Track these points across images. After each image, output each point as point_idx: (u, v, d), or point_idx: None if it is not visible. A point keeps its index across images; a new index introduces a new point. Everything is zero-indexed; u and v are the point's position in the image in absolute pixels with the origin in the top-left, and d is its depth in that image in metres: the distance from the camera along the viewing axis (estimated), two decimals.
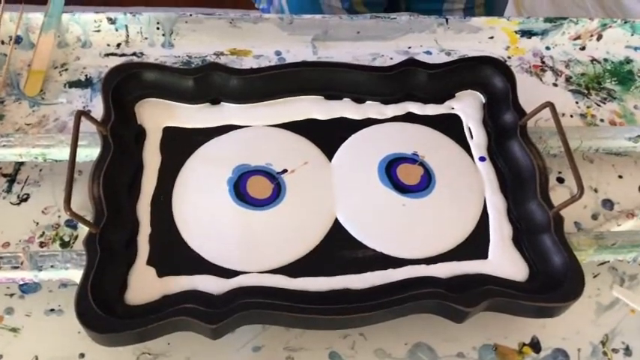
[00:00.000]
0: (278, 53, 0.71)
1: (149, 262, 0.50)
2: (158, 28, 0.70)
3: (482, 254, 0.52)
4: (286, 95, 0.60)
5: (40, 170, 0.59)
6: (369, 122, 0.60)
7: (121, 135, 0.55)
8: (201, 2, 1.72)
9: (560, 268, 0.50)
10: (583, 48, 0.74)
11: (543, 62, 0.72)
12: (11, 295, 0.52)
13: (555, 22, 0.73)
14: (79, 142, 0.52)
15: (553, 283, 0.49)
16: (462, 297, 0.47)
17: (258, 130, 0.59)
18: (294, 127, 0.59)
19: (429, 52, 0.72)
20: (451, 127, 0.60)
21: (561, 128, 0.53)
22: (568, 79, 0.71)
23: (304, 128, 0.59)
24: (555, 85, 0.71)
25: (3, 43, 0.68)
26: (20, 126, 0.62)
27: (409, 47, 0.72)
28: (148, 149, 0.56)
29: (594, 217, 0.60)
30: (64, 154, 0.56)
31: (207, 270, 0.50)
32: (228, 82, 0.59)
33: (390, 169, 0.56)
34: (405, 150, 0.58)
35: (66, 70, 0.68)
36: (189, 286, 0.49)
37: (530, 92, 0.62)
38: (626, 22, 0.74)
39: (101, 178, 0.51)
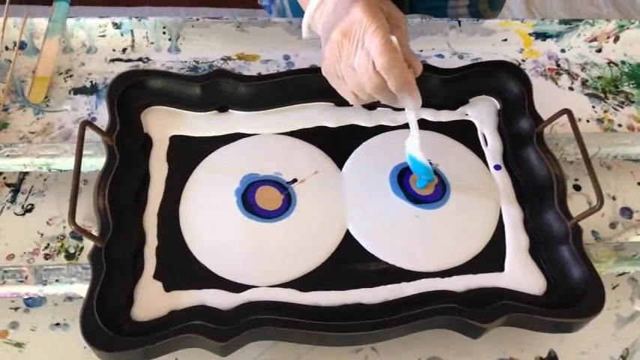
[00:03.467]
0: (287, 57, 0.69)
1: (156, 276, 0.49)
2: (164, 33, 0.69)
3: (499, 267, 0.51)
4: (295, 102, 0.59)
5: (45, 180, 0.58)
6: (380, 129, 0.59)
7: (127, 144, 0.54)
8: (205, 1, 1.71)
9: (580, 281, 0.49)
10: (599, 50, 0.72)
11: (558, 65, 0.71)
12: (16, 308, 0.51)
13: (570, 23, 0.71)
14: (85, 152, 0.51)
15: (572, 298, 0.48)
16: (478, 313, 0.46)
17: (266, 139, 0.57)
18: (303, 134, 0.58)
19: (441, 56, 0.70)
20: (465, 134, 0.59)
21: (580, 137, 0.51)
22: (584, 83, 0.69)
23: (314, 136, 0.58)
24: (571, 88, 0.69)
25: (7, 49, 0.67)
26: (25, 134, 0.61)
27: (421, 50, 0.70)
28: (154, 159, 0.55)
29: (612, 225, 0.59)
30: (68, 163, 0.55)
31: (216, 284, 0.49)
32: (235, 89, 0.58)
33: (403, 178, 0.55)
34: None
35: (71, 76, 0.66)
36: (197, 301, 0.48)
37: (545, 96, 0.61)
38: None
39: (106, 189, 0.50)
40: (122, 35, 0.68)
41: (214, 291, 0.48)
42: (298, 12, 0.82)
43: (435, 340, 0.50)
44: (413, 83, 0.47)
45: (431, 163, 0.53)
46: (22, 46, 0.67)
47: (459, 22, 0.71)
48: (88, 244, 0.52)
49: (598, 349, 0.51)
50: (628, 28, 0.71)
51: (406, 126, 0.59)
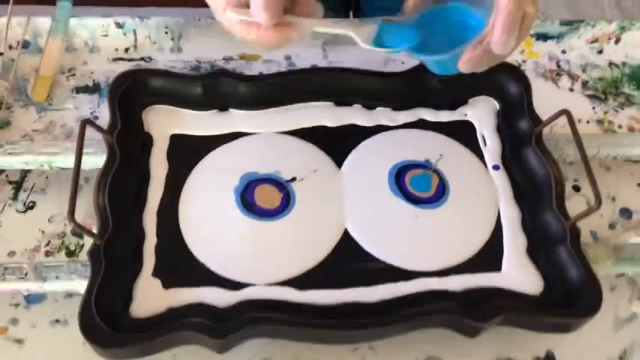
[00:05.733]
0: (288, 58, 0.69)
1: (155, 274, 0.49)
2: (167, 33, 0.69)
3: (496, 267, 0.51)
4: (295, 102, 0.59)
5: (47, 177, 0.59)
6: (379, 129, 0.59)
7: (128, 143, 0.54)
8: None
9: (577, 282, 0.49)
10: (600, 51, 0.72)
11: (559, 66, 0.71)
12: (16, 305, 0.51)
13: (572, 24, 0.71)
14: (85, 150, 0.51)
15: (569, 298, 0.48)
16: (475, 312, 0.46)
17: (266, 137, 0.58)
18: (303, 134, 0.58)
19: None
20: (464, 134, 0.59)
21: (579, 138, 0.51)
22: (585, 84, 0.69)
23: (313, 135, 0.58)
24: (571, 90, 0.69)
25: (11, 48, 0.68)
26: (27, 132, 0.62)
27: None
28: (154, 157, 0.56)
29: (611, 226, 0.58)
30: (70, 161, 0.55)
31: (214, 282, 0.49)
32: (236, 89, 0.58)
33: (401, 178, 0.55)
34: (417, 158, 0.56)
35: (73, 75, 0.67)
36: (196, 298, 0.48)
37: (545, 97, 0.60)
38: None
39: (106, 187, 0.51)
40: (125, 35, 0.69)
41: (213, 289, 0.49)
42: None
43: (433, 339, 0.50)
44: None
45: (430, 162, 0.53)
46: (26, 45, 0.68)
47: None
48: (89, 242, 0.52)
49: (596, 350, 0.51)
50: (629, 29, 0.71)
51: (405, 126, 0.59)
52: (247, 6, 0.42)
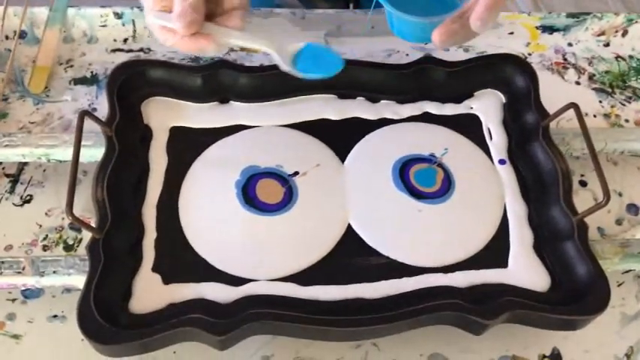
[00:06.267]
0: None
1: (154, 269, 0.48)
2: None
3: (502, 263, 0.50)
4: (297, 94, 0.58)
5: (44, 170, 0.58)
6: (383, 122, 0.58)
7: (127, 135, 0.53)
8: None
9: (585, 278, 0.48)
10: (607, 44, 0.71)
11: (565, 59, 0.70)
12: (13, 300, 0.51)
13: (578, 17, 0.70)
14: (84, 143, 0.50)
15: (576, 295, 0.47)
16: (481, 309, 0.45)
17: (268, 131, 0.57)
18: (305, 127, 0.57)
19: (446, 49, 0.69)
20: (470, 127, 0.58)
21: (587, 132, 0.51)
22: (591, 77, 0.68)
23: (316, 128, 0.57)
24: (578, 83, 0.68)
25: (7, 38, 0.67)
26: (24, 124, 0.61)
27: (426, 43, 0.69)
28: (154, 150, 0.55)
29: (618, 222, 0.58)
30: (68, 154, 0.54)
31: (215, 277, 0.48)
32: (237, 80, 0.57)
33: (406, 172, 0.54)
34: (422, 152, 0.55)
35: (71, 66, 0.66)
36: (196, 294, 0.47)
37: (551, 90, 0.59)
38: None
39: (105, 180, 0.50)
40: (123, 25, 0.68)
41: (213, 284, 0.48)
42: (254, 2, 0.80)
43: (437, 336, 0.50)
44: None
45: (435, 156, 0.52)
46: (23, 35, 0.67)
47: None
48: (87, 236, 0.51)
49: (602, 347, 0.50)
50: (636, 22, 0.70)
51: (410, 119, 0.58)
52: (172, 11, 0.43)
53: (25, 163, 0.58)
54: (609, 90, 0.67)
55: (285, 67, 0.47)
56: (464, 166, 0.55)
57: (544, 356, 0.50)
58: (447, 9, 0.43)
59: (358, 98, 0.59)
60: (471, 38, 0.44)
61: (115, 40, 0.68)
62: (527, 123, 0.57)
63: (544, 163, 0.54)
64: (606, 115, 0.65)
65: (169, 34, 0.44)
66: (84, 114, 0.49)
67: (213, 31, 0.45)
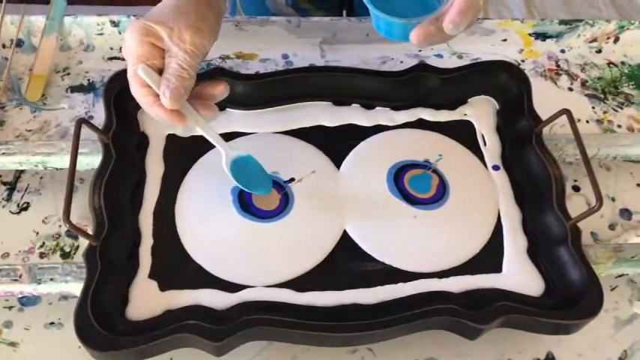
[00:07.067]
0: (285, 56, 0.69)
1: (151, 276, 0.48)
2: None
3: (497, 268, 0.51)
4: (293, 101, 0.59)
5: (41, 178, 0.58)
6: (378, 129, 0.58)
7: (123, 143, 0.54)
8: None
9: (578, 283, 0.48)
10: (599, 51, 0.72)
11: (558, 66, 0.70)
12: (10, 307, 0.51)
13: (571, 24, 0.71)
14: (81, 150, 0.51)
15: (570, 299, 0.48)
16: (475, 314, 0.46)
17: (264, 138, 0.57)
18: (301, 134, 0.57)
19: (440, 56, 0.70)
20: (464, 134, 0.58)
21: (579, 138, 0.51)
22: (584, 84, 0.69)
23: (312, 135, 0.57)
24: (570, 89, 0.68)
25: (4, 46, 0.67)
26: (21, 132, 0.61)
27: (419, 50, 0.70)
28: (150, 158, 0.55)
29: (612, 227, 0.58)
30: (64, 162, 0.55)
31: (211, 284, 0.48)
32: (233, 88, 0.57)
33: (400, 178, 0.55)
34: (417, 158, 0.56)
35: (68, 74, 0.66)
36: (193, 300, 0.47)
37: (544, 97, 0.60)
38: None
39: (102, 188, 0.50)
40: (120, 34, 0.68)
41: (210, 291, 0.48)
42: (249, 11, 0.81)
43: (432, 341, 0.50)
44: (158, 114, 0.47)
45: (429, 162, 0.53)
46: (20, 43, 0.67)
47: None
48: (84, 243, 0.51)
49: (596, 351, 0.51)
50: (628, 28, 0.71)
51: (405, 126, 0.59)
52: (156, 71, 0.46)
53: (22, 171, 0.58)
54: (602, 96, 0.68)
55: (224, 165, 0.51)
56: (458, 172, 0.55)
57: None
58: (427, 10, 0.44)
59: (353, 105, 0.59)
60: (447, 39, 0.45)
61: (111, 49, 0.68)
62: (520, 129, 0.57)
63: (537, 168, 0.54)
64: (599, 121, 0.66)
65: (150, 96, 0.46)
66: (81, 122, 0.50)
67: (188, 112, 0.47)
